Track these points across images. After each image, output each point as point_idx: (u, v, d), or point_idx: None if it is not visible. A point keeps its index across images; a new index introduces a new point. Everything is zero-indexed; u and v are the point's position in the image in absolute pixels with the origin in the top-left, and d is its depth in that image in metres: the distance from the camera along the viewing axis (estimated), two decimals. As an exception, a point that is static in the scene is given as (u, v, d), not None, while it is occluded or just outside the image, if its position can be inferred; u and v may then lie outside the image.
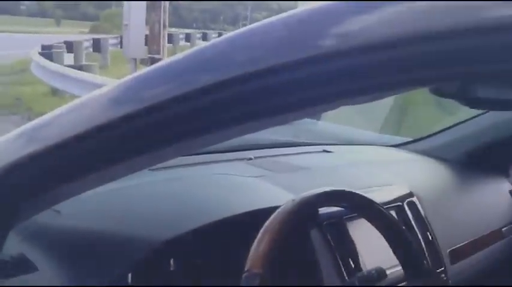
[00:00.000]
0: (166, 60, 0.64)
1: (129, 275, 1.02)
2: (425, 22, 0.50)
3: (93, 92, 0.68)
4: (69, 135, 0.65)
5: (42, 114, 0.74)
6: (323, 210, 1.26)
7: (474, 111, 1.88)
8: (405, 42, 0.50)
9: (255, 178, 1.44)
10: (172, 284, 1.10)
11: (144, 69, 0.66)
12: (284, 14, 0.57)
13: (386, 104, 2.52)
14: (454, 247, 1.57)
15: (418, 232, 1.49)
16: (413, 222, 1.50)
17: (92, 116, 0.65)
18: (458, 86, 0.88)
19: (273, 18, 0.57)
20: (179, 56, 0.62)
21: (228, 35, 0.60)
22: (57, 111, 0.70)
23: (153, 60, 8.54)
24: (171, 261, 1.11)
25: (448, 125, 2.00)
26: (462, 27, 0.49)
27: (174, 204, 1.23)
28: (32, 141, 0.71)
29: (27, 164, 0.69)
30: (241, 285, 0.91)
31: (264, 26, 0.57)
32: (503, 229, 1.79)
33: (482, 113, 1.86)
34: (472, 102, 0.99)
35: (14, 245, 0.94)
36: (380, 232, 1.13)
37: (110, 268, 1.02)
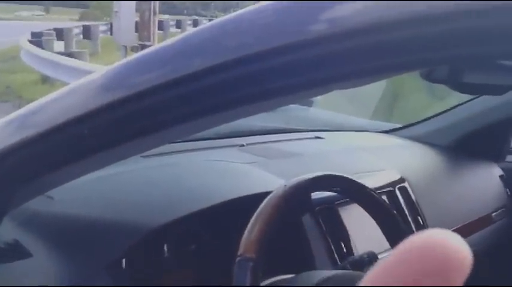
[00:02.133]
0: (155, 46, 0.64)
1: (123, 260, 1.03)
2: (414, 5, 0.50)
3: (83, 79, 0.68)
4: (60, 122, 0.65)
5: (32, 101, 0.74)
6: (315, 195, 1.27)
7: (465, 98, 1.89)
8: (394, 26, 0.51)
9: (247, 164, 1.44)
10: (166, 270, 1.11)
11: (133, 56, 0.66)
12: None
13: (377, 90, 2.53)
14: None
15: (409, 217, 1.50)
16: (404, 207, 1.51)
17: (83, 103, 0.65)
18: (449, 71, 0.88)
19: (262, 3, 0.57)
20: (168, 41, 0.62)
21: (217, 20, 0.60)
22: (47, 97, 0.70)
23: (144, 47, 8.48)
24: (164, 247, 1.11)
25: (438, 111, 2.01)
26: (451, 10, 0.49)
27: (166, 190, 1.23)
28: (23, 128, 0.71)
29: (18, 150, 0.69)
30: (234, 270, 0.92)
31: (253, 12, 0.57)
32: (493, 214, 1.80)
33: (473, 99, 1.87)
34: (463, 87, 0.99)
35: (8, 232, 0.94)
36: (371, 216, 1.14)
37: (103, 254, 1.02)
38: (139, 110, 0.61)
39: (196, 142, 1.52)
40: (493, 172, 1.93)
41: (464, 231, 1.67)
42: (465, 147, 1.91)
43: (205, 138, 1.56)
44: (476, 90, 1.26)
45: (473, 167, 1.89)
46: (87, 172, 0.76)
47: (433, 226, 1.54)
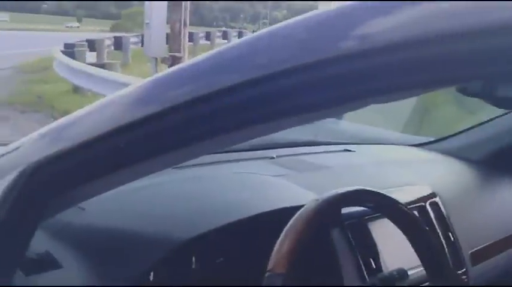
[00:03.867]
0: (188, 62, 0.64)
1: (151, 273, 1.03)
2: (448, 22, 0.50)
3: (116, 92, 0.69)
4: (94, 135, 0.66)
5: (64, 111, 0.75)
6: (345, 210, 1.26)
7: (497, 111, 1.86)
8: (427, 42, 0.50)
9: (277, 177, 1.44)
10: (194, 283, 1.11)
11: (166, 71, 0.67)
12: (304, 16, 0.57)
13: (408, 103, 2.51)
14: (475, 249, 1.56)
15: (440, 233, 1.48)
16: (435, 222, 1.49)
17: (118, 116, 0.66)
18: (484, 85, 0.87)
19: (293, 20, 0.58)
20: (201, 57, 0.63)
21: (249, 36, 0.61)
22: (82, 110, 0.72)
23: (174, 59, 8.58)
24: (193, 260, 1.11)
25: (471, 125, 1.98)
26: (485, 26, 0.49)
27: (196, 202, 1.24)
28: (58, 141, 0.72)
29: (53, 162, 0.70)
30: (263, 285, 0.92)
31: (284, 28, 0.58)
32: (526, 231, 1.77)
33: (505, 113, 1.84)
34: (497, 101, 0.98)
35: (40, 243, 0.95)
36: (402, 232, 1.13)
37: (132, 266, 1.03)
38: (174, 124, 0.62)
39: (227, 154, 1.53)
40: (526, 188, 1.90)
41: (495, 248, 1.64)
42: (497, 162, 1.88)
43: (235, 150, 1.57)
44: (511, 104, 1.24)
45: (505, 182, 1.86)
46: (119, 184, 0.77)
47: (464, 243, 1.52)
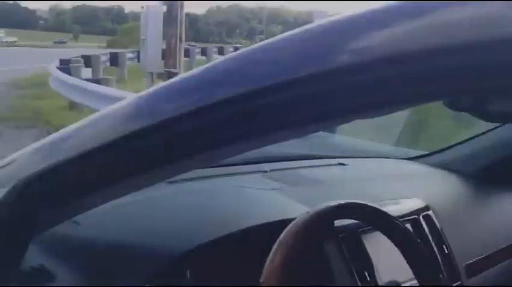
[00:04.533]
0: (182, 75, 0.65)
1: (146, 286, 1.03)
2: (439, 37, 0.50)
3: (110, 107, 0.70)
4: (88, 149, 0.67)
5: (60, 127, 0.76)
6: (338, 222, 1.26)
7: (490, 125, 1.87)
8: (419, 56, 0.51)
9: (271, 191, 1.44)
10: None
11: (160, 84, 0.67)
12: (299, 29, 0.58)
13: (402, 117, 2.52)
14: (470, 261, 1.56)
15: (434, 246, 1.49)
16: (429, 235, 1.49)
17: (111, 130, 0.67)
18: (473, 99, 0.88)
19: (288, 34, 0.59)
20: (196, 70, 0.63)
21: (243, 50, 0.61)
22: (75, 125, 0.72)
23: (170, 74, 8.60)
24: (188, 273, 1.12)
25: (464, 138, 1.99)
26: (476, 41, 0.50)
27: (190, 216, 1.24)
28: (51, 155, 0.72)
29: (47, 176, 0.70)
30: None
31: (278, 42, 0.59)
32: (520, 243, 1.77)
33: (499, 126, 1.85)
34: (487, 115, 0.99)
35: (34, 256, 0.95)
36: (395, 244, 1.13)
37: (128, 279, 1.03)
38: (166, 138, 0.62)
39: (220, 168, 1.53)
40: (520, 201, 1.91)
41: (489, 261, 1.64)
42: (491, 175, 1.89)
43: (229, 164, 1.57)
44: (502, 118, 1.25)
45: (499, 195, 1.87)
46: (114, 198, 0.77)
47: (459, 255, 1.52)
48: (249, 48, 0.61)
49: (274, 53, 0.58)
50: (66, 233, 1.05)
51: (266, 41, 0.60)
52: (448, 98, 0.85)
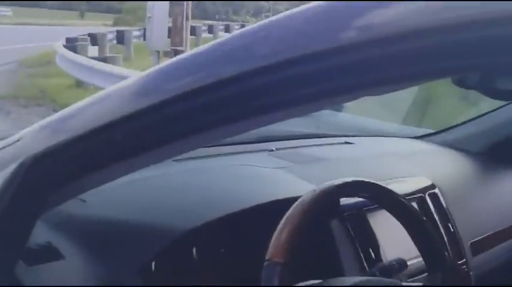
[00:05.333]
0: (188, 53, 0.65)
1: (153, 263, 1.04)
2: (446, 13, 0.50)
3: (117, 84, 0.70)
4: (95, 127, 0.67)
5: (66, 106, 0.76)
6: (344, 201, 1.27)
7: (497, 103, 1.86)
8: (426, 33, 0.51)
9: (277, 169, 1.45)
10: (195, 273, 1.12)
11: (166, 62, 0.67)
12: (304, 7, 0.57)
13: (409, 95, 2.51)
14: (475, 239, 1.57)
15: (439, 224, 1.49)
16: (434, 213, 1.50)
17: (117, 108, 0.67)
18: (481, 77, 0.88)
19: (293, 11, 0.58)
20: (201, 48, 0.63)
21: (248, 27, 0.61)
22: (82, 102, 0.72)
23: (176, 53, 8.58)
24: (194, 250, 1.13)
25: (471, 117, 1.99)
26: (485, 17, 0.49)
27: (196, 194, 1.25)
28: (58, 133, 0.73)
29: (53, 154, 0.70)
30: (262, 274, 0.93)
31: (284, 19, 0.58)
32: (525, 222, 1.77)
33: (506, 105, 1.85)
34: (495, 93, 0.98)
35: (42, 234, 0.96)
36: (401, 223, 1.14)
37: (134, 256, 1.04)
38: (172, 116, 0.62)
39: (227, 147, 1.54)
40: (526, 179, 1.90)
41: (495, 238, 1.65)
42: (497, 153, 1.88)
43: (235, 143, 1.58)
44: (509, 96, 1.24)
45: (505, 174, 1.86)
46: (119, 176, 0.78)
47: (464, 233, 1.53)
48: (254, 25, 0.61)
49: (280, 31, 0.58)
50: (73, 211, 1.06)
51: (271, 18, 0.60)
52: (456, 75, 0.85)
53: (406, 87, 0.65)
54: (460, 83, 0.93)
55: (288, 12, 0.59)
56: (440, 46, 0.51)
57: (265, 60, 0.56)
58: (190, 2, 10.22)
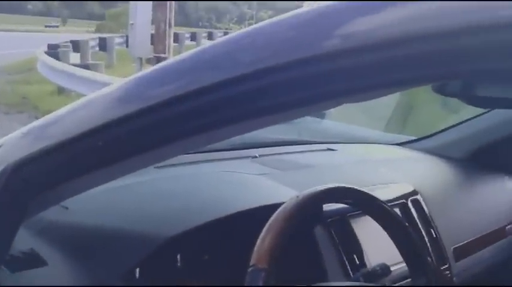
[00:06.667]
0: (171, 59, 0.65)
1: (137, 270, 1.04)
2: (427, 22, 0.51)
3: (98, 91, 0.69)
4: (76, 133, 0.67)
5: (48, 112, 0.75)
6: (327, 207, 1.27)
7: (479, 110, 1.88)
8: (407, 41, 0.51)
9: (260, 176, 1.45)
10: (179, 280, 1.12)
11: (149, 69, 0.67)
12: (288, 14, 0.58)
13: (390, 102, 2.53)
14: (458, 245, 1.58)
15: (422, 230, 1.50)
16: (417, 219, 1.51)
17: (99, 114, 0.67)
18: (462, 85, 0.89)
19: (277, 19, 0.59)
20: (184, 55, 0.63)
21: (232, 34, 0.61)
22: (63, 109, 0.72)
23: (159, 60, 8.55)
24: (178, 256, 1.12)
25: (452, 124, 2.01)
26: (465, 26, 0.50)
27: (179, 201, 1.24)
28: (40, 139, 0.72)
29: (35, 160, 0.70)
30: (246, 280, 0.93)
31: (268, 26, 0.59)
32: (507, 227, 1.79)
33: (487, 112, 1.87)
34: (475, 101, 0.99)
35: (24, 240, 0.95)
36: (384, 228, 1.14)
37: (117, 263, 1.03)
38: (154, 122, 0.62)
39: (210, 153, 1.54)
40: (507, 185, 1.92)
41: (477, 244, 1.66)
42: (479, 160, 1.90)
43: (218, 149, 1.57)
44: (489, 104, 1.26)
45: (487, 180, 1.88)
46: (101, 183, 0.77)
47: (447, 238, 1.54)
48: (238, 33, 0.61)
49: (263, 38, 0.59)
50: (56, 218, 1.05)
51: (255, 26, 0.60)
52: (436, 82, 0.85)
53: (389, 94, 0.65)
54: (440, 90, 0.94)
55: (272, 20, 0.59)
56: (422, 54, 0.52)
57: (249, 67, 0.56)
58: (173, 8, 10.19)
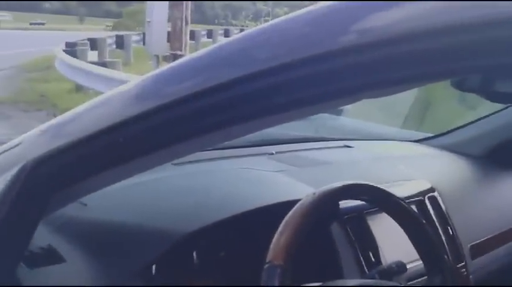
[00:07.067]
0: (188, 57, 0.65)
1: (153, 266, 1.05)
2: (445, 15, 0.50)
3: (116, 89, 0.70)
4: (95, 130, 0.67)
5: (66, 110, 0.76)
6: (344, 204, 1.27)
7: (496, 106, 1.87)
8: (425, 36, 0.51)
9: (277, 173, 1.45)
10: (195, 276, 1.12)
11: (166, 66, 0.68)
12: (303, 11, 0.58)
13: (408, 99, 2.51)
14: (474, 242, 1.57)
15: (439, 227, 1.49)
16: (434, 217, 1.50)
17: (117, 112, 0.67)
18: (480, 80, 0.88)
19: (292, 15, 0.59)
20: (201, 52, 0.64)
21: (247, 31, 0.62)
22: (81, 107, 0.73)
23: (176, 57, 8.58)
24: (194, 253, 1.13)
25: (470, 120, 1.99)
26: (484, 20, 0.50)
27: (196, 197, 1.25)
28: (58, 137, 0.73)
29: (54, 158, 0.71)
30: (262, 276, 0.93)
31: (284, 23, 0.59)
32: (524, 225, 1.78)
33: (505, 108, 1.85)
34: (494, 96, 0.99)
35: (43, 237, 0.97)
36: (400, 226, 1.14)
37: (134, 259, 1.04)
38: (171, 120, 0.62)
39: (227, 150, 1.54)
40: (525, 183, 1.91)
41: (494, 242, 1.65)
42: (497, 157, 1.89)
43: (235, 146, 1.58)
44: (508, 99, 1.25)
45: (505, 177, 1.87)
46: (119, 180, 0.78)
47: (463, 236, 1.53)
48: (254, 29, 0.61)
49: (280, 34, 0.59)
50: (74, 214, 1.06)
51: (271, 22, 0.60)
52: (455, 77, 0.85)
53: (406, 90, 0.65)
54: (459, 86, 0.93)
55: (287, 16, 0.59)
56: (440, 48, 0.52)
57: (265, 64, 0.57)
58: (189, 6, 10.22)
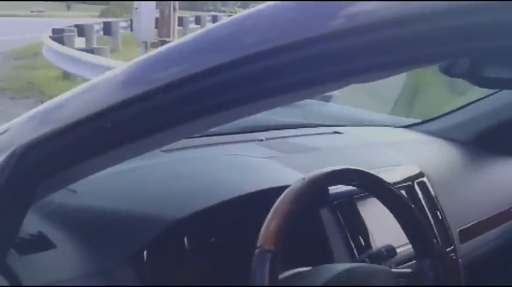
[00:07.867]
0: (175, 42, 0.65)
1: (144, 252, 1.05)
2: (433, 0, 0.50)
3: (103, 75, 0.70)
4: (82, 116, 0.67)
5: (54, 97, 0.76)
6: (333, 189, 1.27)
7: (485, 92, 1.87)
8: (412, 20, 0.51)
9: (266, 159, 1.45)
10: (186, 262, 1.13)
11: (153, 52, 0.67)
12: None
13: (397, 85, 2.52)
14: (463, 227, 1.58)
15: (428, 212, 1.50)
16: (423, 201, 1.51)
17: (104, 98, 0.67)
18: (468, 65, 0.88)
19: (279, 1, 0.58)
20: (187, 37, 0.63)
21: (235, 16, 0.61)
22: (68, 93, 0.72)
23: (164, 44, 8.48)
24: (185, 239, 1.13)
25: (458, 106, 2.00)
26: (471, 4, 0.50)
27: (186, 184, 1.25)
28: (46, 123, 0.73)
29: (43, 144, 0.70)
30: (253, 261, 0.93)
31: (272, 7, 0.58)
32: (512, 209, 1.79)
33: (493, 93, 1.86)
34: (482, 82, 0.99)
35: (32, 223, 0.96)
36: (390, 210, 1.15)
37: (125, 246, 1.04)
38: (159, 105, 0.62)
39: (215, 137, 1.54)
40: (513, 167, 1.92)
41: (483, 226, 1.66)
42: (485, 142, 1.90)
43: (224, 133, 1.58)
44: (496, 84, 1.25)
45: (493, 162, 1.88)
46: (108, 166, 0.78)
47: (452, 220, 1.54)
48: (240, 14, 0.61)
49: (268, 19, 0.58)
50: (64, 201, 1.06)
51: (259, 7, 0.60)
52: (443, 61, 0.85)
53: (394, 74, 0.65)
54: (447, 71, 0.93)
55: (273, 2, 0.59)
56: (428, 33, 0.52)
57: (253, 49, 0.56)
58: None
